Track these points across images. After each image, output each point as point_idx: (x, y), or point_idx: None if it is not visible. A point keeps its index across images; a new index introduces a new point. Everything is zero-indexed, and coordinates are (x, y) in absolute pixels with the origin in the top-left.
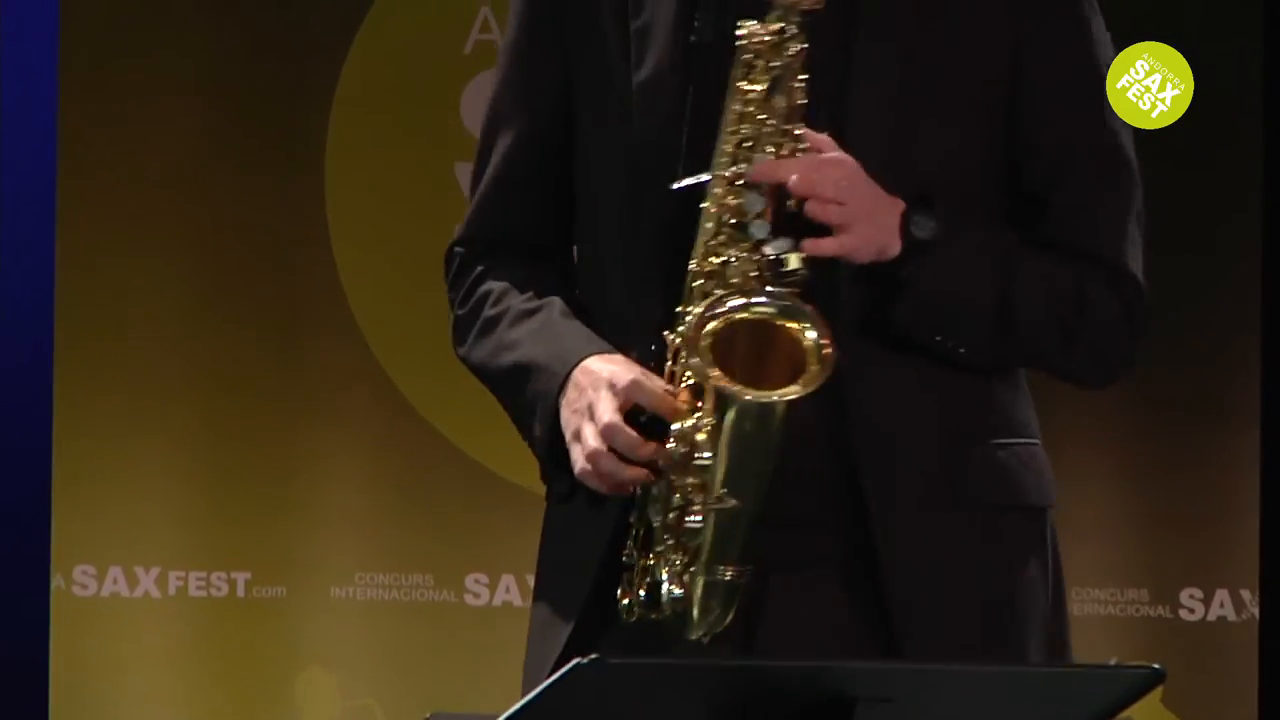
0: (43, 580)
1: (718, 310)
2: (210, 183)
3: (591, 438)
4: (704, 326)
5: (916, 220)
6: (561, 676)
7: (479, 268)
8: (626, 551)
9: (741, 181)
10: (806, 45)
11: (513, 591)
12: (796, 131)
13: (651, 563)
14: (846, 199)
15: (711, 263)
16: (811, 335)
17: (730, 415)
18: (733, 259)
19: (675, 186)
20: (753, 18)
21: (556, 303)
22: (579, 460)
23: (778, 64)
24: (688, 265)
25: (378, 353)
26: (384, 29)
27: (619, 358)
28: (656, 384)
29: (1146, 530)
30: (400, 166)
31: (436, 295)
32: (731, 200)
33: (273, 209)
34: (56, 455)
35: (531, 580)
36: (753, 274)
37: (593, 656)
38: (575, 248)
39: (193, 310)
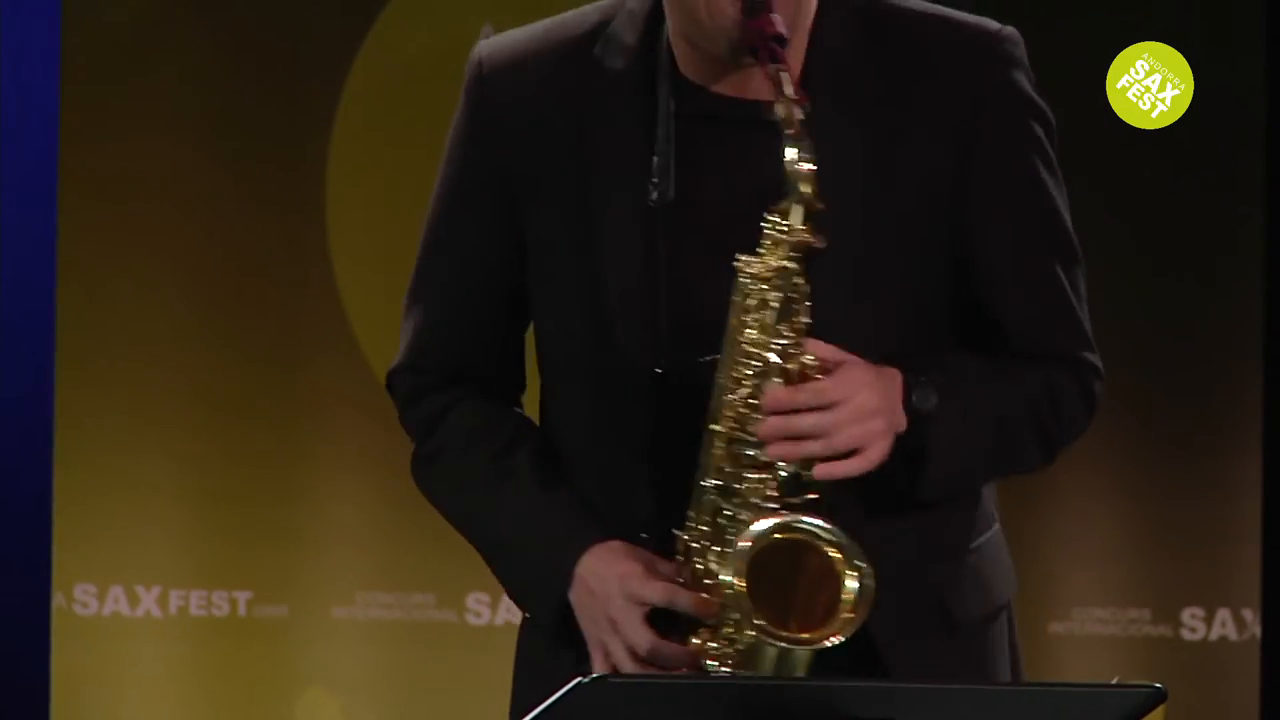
0: (44, 599)
1: (761, 530)
2: (211, 204)
3: (627, 661)
4: (749, 548)
5: (918, 394)
6: (563, 695)
7: (435, 399)
8: None
9: (752, 404)
10: (806, 284)
11: (514, 611)
12: (805, 358)
13: None
14: (854, 419)
15: (722, 479)
16: (853, 583)
17: (761, 651)
18: (746, 478)
19: (658, 370)
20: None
21: (526, 459)
22: (604, 667)
23: (779, 294)
24: (679, 448)
25: (379, 373)
26: (385, 51)
27: (619, 549)
28: (683, 592)
29: (1148, 550)
30: (401, 187)
31: None
32: (739, 423)
33: (274, 230)
34: (58, 475)
35: None
36: (768, 493)
37: (594, 675)
38: (544, 393)
39: (194, 330)
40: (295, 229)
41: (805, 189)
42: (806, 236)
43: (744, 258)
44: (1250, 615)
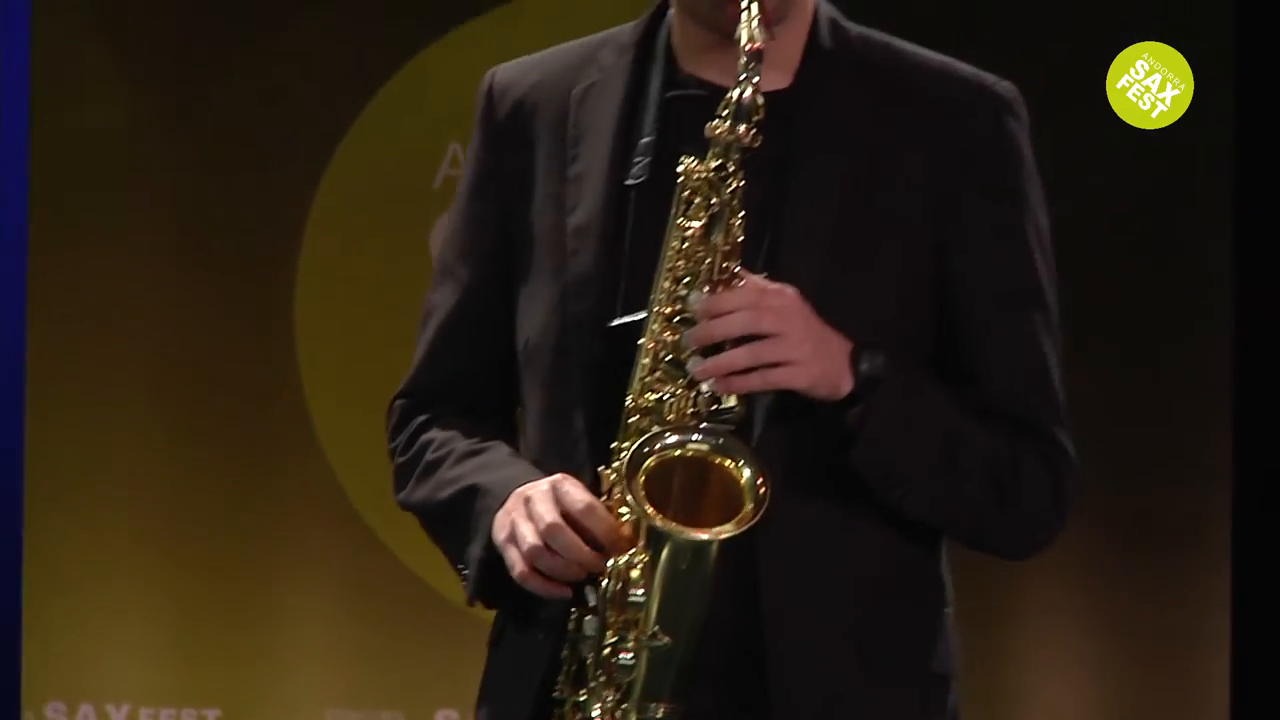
0: (14, 717)
1: (654, 446)
2: (180, 319)
3: (530, 535)
4: (640, 463)
5: (867, 358)
6: None
7: (420, 418)
8: (558, 688)
9: (679, 318)
10: (744, 182)
11: None
12: (735, 269)
13: (583, 699)
14: (787, 330)
15: (648, 399)
16: (747, 474)
17: (664, 553)
18: (669, 396)
19: (613, 324)
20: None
21: (502, 445)
22: (517, 562)
23: (716, 201)
24: (620, 404)
25: (348, 489)
26: (353, 164)
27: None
28: (604, 511)
29: (1117, 668)
30: (370, 302)
31: None
32: (669, 337)
33: (243, 345)
34: (27, 592)
35: None
36: (689, 411)
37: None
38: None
39: (163, 447)
40: (264, 345)
41: (749, 92)
42: (745, 138)
43: (686, 160)
44: None
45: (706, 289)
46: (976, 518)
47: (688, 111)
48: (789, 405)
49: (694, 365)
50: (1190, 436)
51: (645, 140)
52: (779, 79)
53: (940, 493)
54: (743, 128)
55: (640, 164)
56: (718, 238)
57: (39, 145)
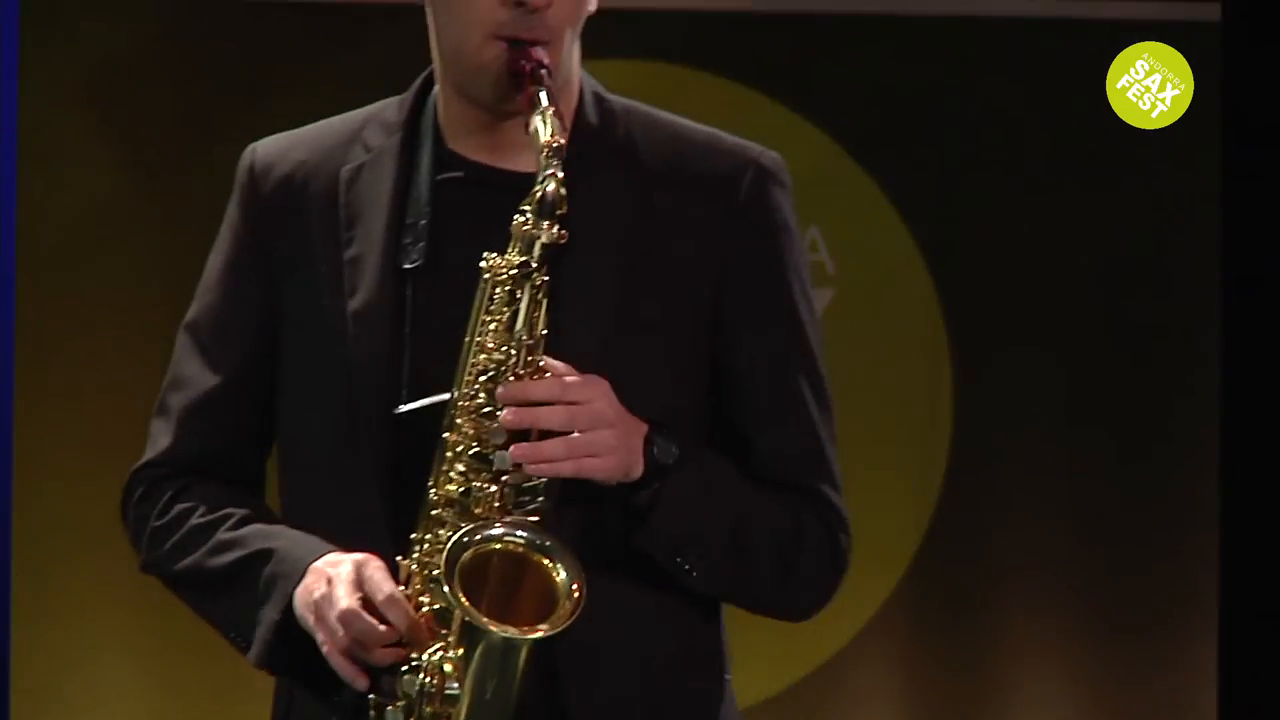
0: None
1: (473, 539)
2: None
3: (338, 625)
4: (458, 555)
5: (659, 444)
6: None
7: (174, 487)
8: None
9: (482, 412)
10: (549, 278)
11: None
12: (539, 362)
13: None
14: (598, 424)
15: (451, 491)
16: (563, 574)
17: (477, 648)
18: (473, 488)
19: (400, 410)
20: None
21: (277, 517)
22: (326, 643)
23: (520, 295)
24: (414, 492)
25: None
26: None
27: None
28: (409, 609)
29: None
30: None
31: None
32: (471, 430)
33: None
34: (15, 670)
35: None
36: (495, 504)
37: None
38: (281, 480)
39: None
40: None
41: (551, 186)
42: (549, 234)
43: (489, 255)
44: None
45: (512, 378)
46: (760, 590)
47: (458, 193)
48: (579, 489)
49: (500, 458)
50: (1176, 515)
51: (420, 223)
52: None
53: (728, 570)
54: (546, 223)
55: (415, 247)
56: (522, 332)
57: (25, 217)
